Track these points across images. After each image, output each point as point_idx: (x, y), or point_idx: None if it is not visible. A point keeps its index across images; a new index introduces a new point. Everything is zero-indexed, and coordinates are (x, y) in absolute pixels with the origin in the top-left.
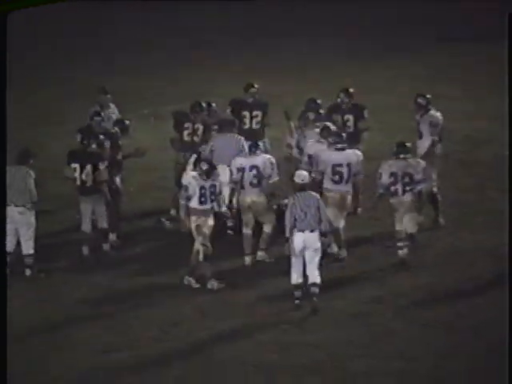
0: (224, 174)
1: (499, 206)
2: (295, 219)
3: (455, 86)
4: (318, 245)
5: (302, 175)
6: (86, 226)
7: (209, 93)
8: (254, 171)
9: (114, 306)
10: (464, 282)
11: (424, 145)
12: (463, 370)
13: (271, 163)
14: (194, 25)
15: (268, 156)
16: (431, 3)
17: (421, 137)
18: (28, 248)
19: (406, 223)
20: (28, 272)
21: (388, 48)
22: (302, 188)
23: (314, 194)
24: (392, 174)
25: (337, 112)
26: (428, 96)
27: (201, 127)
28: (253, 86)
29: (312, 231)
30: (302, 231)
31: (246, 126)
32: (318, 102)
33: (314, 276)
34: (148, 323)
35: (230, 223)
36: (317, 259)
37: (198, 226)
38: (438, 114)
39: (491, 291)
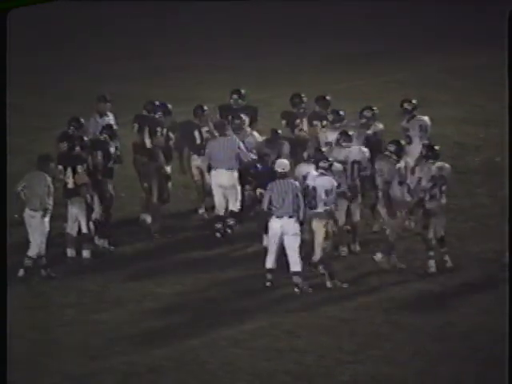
0: (222, 179)
1: (489, 211)
2: (274, 206)
3: (445, 92)
4: (297, 230)
5: (282, 164)
6: (71, 229)
7: (199, 97)
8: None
9: (105, 311)
10: (453, 288)
11: (415, 150)
12: (451, 376)
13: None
14: (182, 29)
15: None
16: (419, 7)
17: (410, 142)
18: (32, 251)
19: (439, 227)
20: (21, 272)
21: (376, 52)
22: (282, 176)
23: (293, 181)
24: (432, 178)
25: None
26: (414, 101)
27: (160, 129)
28: (238, 92)
29: (290, 217)
30: (281, 217)
31: None
32: (303, 96)
33: (295, 264)
34: (138, 329)
35: (218, 225)
36: (296, 245)
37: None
38: (426, 118)
39: (480, 297)
